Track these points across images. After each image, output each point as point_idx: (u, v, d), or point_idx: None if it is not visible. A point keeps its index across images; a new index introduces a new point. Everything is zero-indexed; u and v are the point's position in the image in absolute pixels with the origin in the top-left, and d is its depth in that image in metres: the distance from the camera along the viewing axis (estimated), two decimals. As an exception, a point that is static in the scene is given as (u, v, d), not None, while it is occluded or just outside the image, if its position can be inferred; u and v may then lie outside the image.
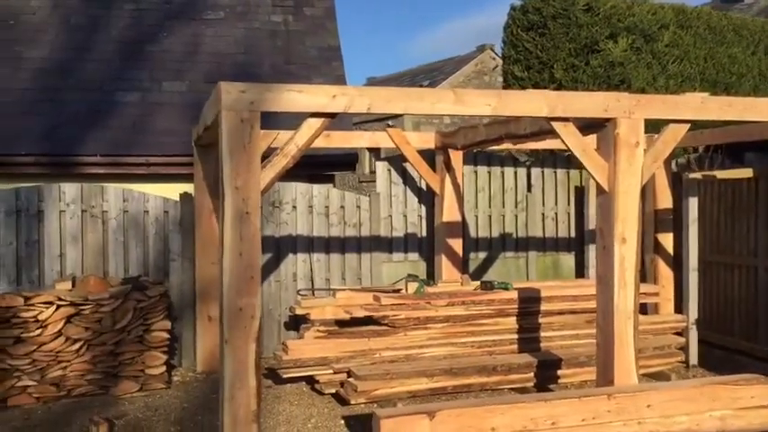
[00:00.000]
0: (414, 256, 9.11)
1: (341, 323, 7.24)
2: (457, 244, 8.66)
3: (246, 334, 4.71)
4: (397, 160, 9.10)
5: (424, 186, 9.13)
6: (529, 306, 7.25)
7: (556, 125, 5.41)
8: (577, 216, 9.87)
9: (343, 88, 4.93)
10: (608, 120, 5.45)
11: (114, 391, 6.74)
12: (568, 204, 9.90)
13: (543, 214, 9.77)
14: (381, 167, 9.02)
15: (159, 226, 7.82)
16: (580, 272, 9.77)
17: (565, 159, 9.83)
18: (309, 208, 8.59)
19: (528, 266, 9.68)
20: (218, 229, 5.46)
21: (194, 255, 7.72)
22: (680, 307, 8.20)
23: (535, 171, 9.73)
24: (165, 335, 7.05)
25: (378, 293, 7.17)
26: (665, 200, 9.21)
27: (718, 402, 5.48)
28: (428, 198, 9.15)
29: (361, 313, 6.84)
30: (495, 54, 19.87)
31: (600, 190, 5.62)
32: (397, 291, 7.51)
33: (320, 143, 7.94)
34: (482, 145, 7.97)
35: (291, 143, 4.88)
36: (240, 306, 4.69)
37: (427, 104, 5.11)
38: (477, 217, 9.40)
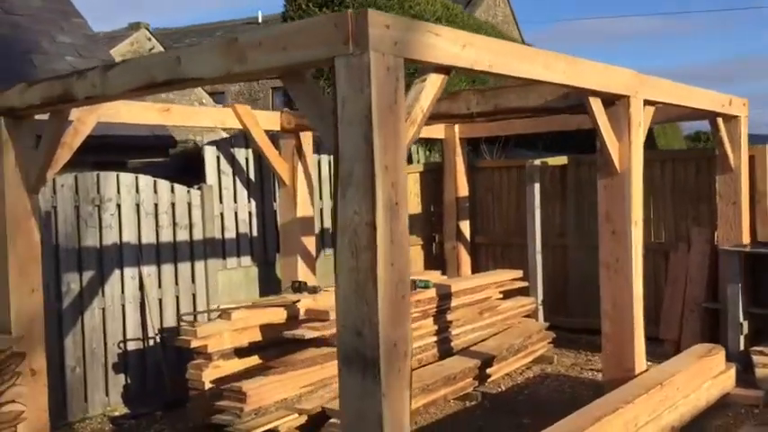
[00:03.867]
0: (246, 260, 7.55)
1: (240, 351, 5.65)
2: (311, 243, 7.44)
3: (402, 380, 3.24)
4: (225, 144, 7.42)
5: (253, 176, 7.63)
6: (443, 304, 6.60)
7: (592, 100, 4.96)
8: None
9: (470, 36, 3.70)
10: (620, 97, 5.19)
11: None
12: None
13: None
14: (210, 153, 7.23)
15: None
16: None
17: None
18: (137, 206, 6.45)
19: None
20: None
21: (7, 281, 5.10)
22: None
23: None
24: (20, 407, 4.53)
25: (299, 305, 5.73)
26: (463, 188, 9.38)
27: (707, 374, 5.73)
28: (257, 190, 7.68)
29: (255, 337, 5.43)
30: (151, 34, 17.78)
31: (607, 171, 5.33)
32: (296, 302, 6.11)
33: (155, 118, 6.11)
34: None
35: (416, 106, 3.49)
36: (395, 340, 3.20)
37: (539, 68, 4.12)
38: (321, 211, 8.21)
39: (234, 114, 6.74)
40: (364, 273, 3.13)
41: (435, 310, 6.49)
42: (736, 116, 7.11)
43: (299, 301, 6.11)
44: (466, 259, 9.51)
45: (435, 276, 7.93)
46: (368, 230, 3.12)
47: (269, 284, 7.67)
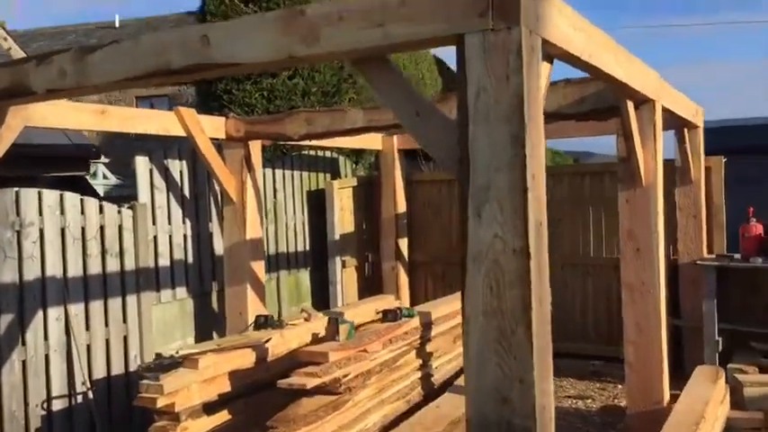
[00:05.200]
0: (182, 292, 6.45)
1: (209, 406, 4.69)
2: (260, 269, 6.48)
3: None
4: (158, 155, 6.30)
5: (187, 193, 6.56)
6: (425, 334, 5.89)
7: (629, 104, 4.48)
8: (314, 226, 8.53)
9: (578, 17, 3.03)
10: (647, 101, 4.75)
11: None
12: (303, 213, 8.46)
13: (287, 225, 8.11)
14: (142, 165, 6.10)
15: None
16: (321, 292, 8.46)
17: (300, 159, 8.38)
18: (62, 231, 5.24)
19: (279, 290, 7.91)
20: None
21: None
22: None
23: (279, 173, 7.99)
24: None
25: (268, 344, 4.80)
26: (402, 203, 8.77)
27: (720, 399, 5.40)
28: (191, 209, 6.61)
29: (224, 388, 4.64)
30: (7, 33, 15.78)
31: (631, 183, 4.88)
32: (267, 340, 5.17)
33: (89, 123, 5.09)
34: (319, 137, 6.11)
35: (533, 102, 2.79)
36: (544, 403, 2.47)
37: (613, 64, 3.53)
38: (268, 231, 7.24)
39: (177, 119, 5.70)
40: (512, 316, 2.38)
41: (419, 341, 5.78)
42: (698, 126, 6.98)
43: (269, 339, 5.18)
44: (405, 280, 8.88)
45: (390, 302, 7.23)
46: (517, 260, 2.38)
47: (206, 319, 6.64)
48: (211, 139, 6.05)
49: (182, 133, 5.78)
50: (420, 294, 8.90)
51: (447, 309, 6.37)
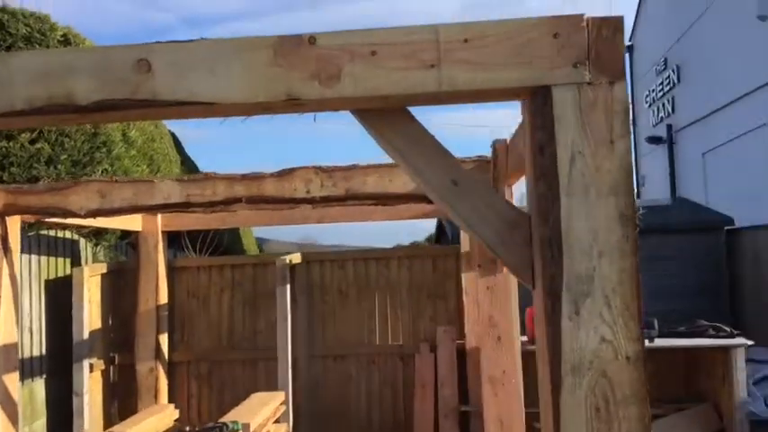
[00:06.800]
0: None
1: None
2: (13, 382, 4.93)
3: None
4: None
5: None
6: (244, 450, 4.93)
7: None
8: (53, 323, 6.94)
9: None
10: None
11: None
12: (39, 306, 6.84)
13: (21, 323, 6.44)
14: None
15: None
16: (61, 406, 6.84)
17: (37, 241, 6.82)
18: None
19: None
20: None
21: None
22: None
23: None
24: None
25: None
26: (164, 293, 7.67)
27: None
28: None
29: None
30: None
31: (491, 269, 4.64)
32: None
33: None
34: (115, 214, 4.92)
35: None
36: None
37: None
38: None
39: None
40: (627, 442, 1.86)
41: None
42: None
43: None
44: (164, 384, 7.62)
45: (170, 413, 6.09)
46: (631, 370, 1.88)
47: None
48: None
49: None
50: (182, 400, 7.72)
51: (261, 417, 5.47)
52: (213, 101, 1.98)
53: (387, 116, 2.11)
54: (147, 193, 4.73)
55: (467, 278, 7.32)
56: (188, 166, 12.20)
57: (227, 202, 4.69)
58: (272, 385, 7.47)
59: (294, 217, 6.96)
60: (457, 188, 2.10)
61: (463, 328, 7.36)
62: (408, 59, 1.95)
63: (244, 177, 4.71)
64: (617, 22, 1.94)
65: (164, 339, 7.59)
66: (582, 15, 1.94)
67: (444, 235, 11.13)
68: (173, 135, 11.67)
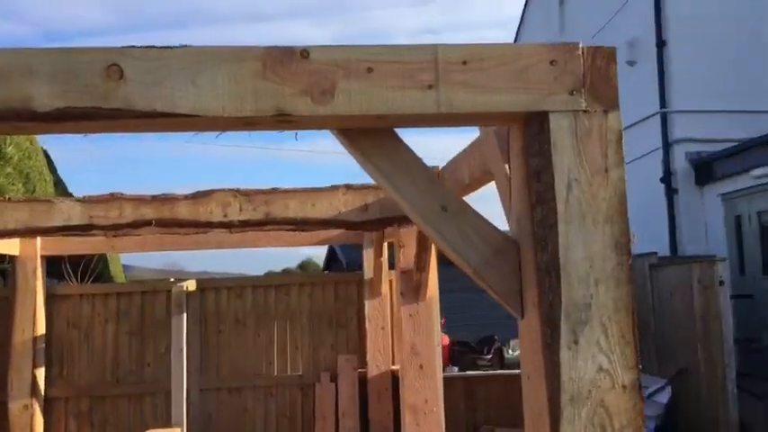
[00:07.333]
0: None
1: None
2: None
3: None
4: None
5: None
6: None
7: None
8: None
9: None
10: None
11: None
12: None
13: None
14: None
15: None
16: None
17: None
18: None
19: None
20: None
21: None
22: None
23: None
24: None
25: None
26: (42, 323, 7.09)
27: None
28: None
29: None
30: None
31: (414, 297, 4.59)
32: None
33: None
34: (8, 236, 4.47)
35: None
36: None
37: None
38: None
39: None
40: None
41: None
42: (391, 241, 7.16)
43: None
44: (40, 422, 6.99)
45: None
46: (628, 399, 1.87)
47: None
48: None
49: None
50: (60, 440, 7.12)
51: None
52: (194, 113, 1.81)
53: (375, 137, 2.01)
54: (45, 213, 4.33)
55: (370, 305, 7.26)
56: (61, 187, 11.45)
57: (136, 225, 4.38)
58: (159, 421, 7.06)
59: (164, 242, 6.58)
60: (446, 213, 2.04)
61: (365, 356, 7.27)
62: (405, 78, 1.87)
63: (154, 199, 4.43)
64: (611, 53, 1.96)
65: (40, 374, 6.99)
66: (577, 44, 1.94)
67: (336, 261, 11.04)
68: (45, 153, 10.92)
